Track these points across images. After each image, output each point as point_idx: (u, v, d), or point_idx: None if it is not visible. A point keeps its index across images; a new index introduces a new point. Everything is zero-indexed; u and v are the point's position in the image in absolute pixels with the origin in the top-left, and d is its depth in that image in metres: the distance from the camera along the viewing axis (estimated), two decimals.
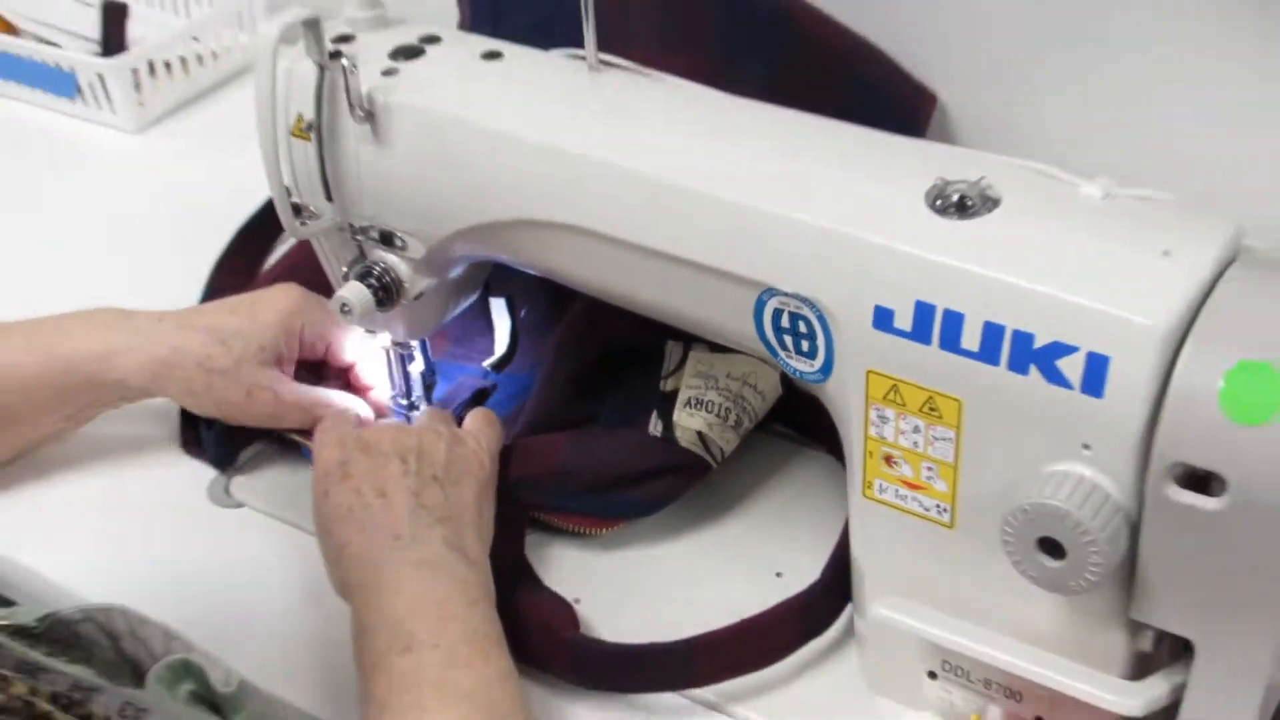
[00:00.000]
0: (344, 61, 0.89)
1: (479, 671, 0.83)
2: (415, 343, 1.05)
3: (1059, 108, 1.20)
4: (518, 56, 0.94)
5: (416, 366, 1.07)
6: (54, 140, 1.61)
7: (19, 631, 0.67)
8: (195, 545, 1.02)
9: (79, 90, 1.59)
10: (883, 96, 1.07)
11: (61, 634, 0.71)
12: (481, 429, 0.98)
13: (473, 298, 1.06)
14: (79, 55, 1.58)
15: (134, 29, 1.62)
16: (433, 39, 0.95)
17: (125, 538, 1.03)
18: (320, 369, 1.13)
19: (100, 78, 1.55)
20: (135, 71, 1.56)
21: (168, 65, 1.61)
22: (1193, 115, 1.17)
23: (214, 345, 1.05)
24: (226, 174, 1.41)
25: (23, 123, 1.63)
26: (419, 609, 0.85)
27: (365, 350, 1.12)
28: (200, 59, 1.65)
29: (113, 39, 1.59)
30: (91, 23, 1.62)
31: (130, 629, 0.80)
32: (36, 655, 0.66)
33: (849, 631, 0.92)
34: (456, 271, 1.00)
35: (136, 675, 0.74)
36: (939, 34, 1.16)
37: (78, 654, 0.72)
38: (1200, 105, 1.16)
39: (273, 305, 1.08)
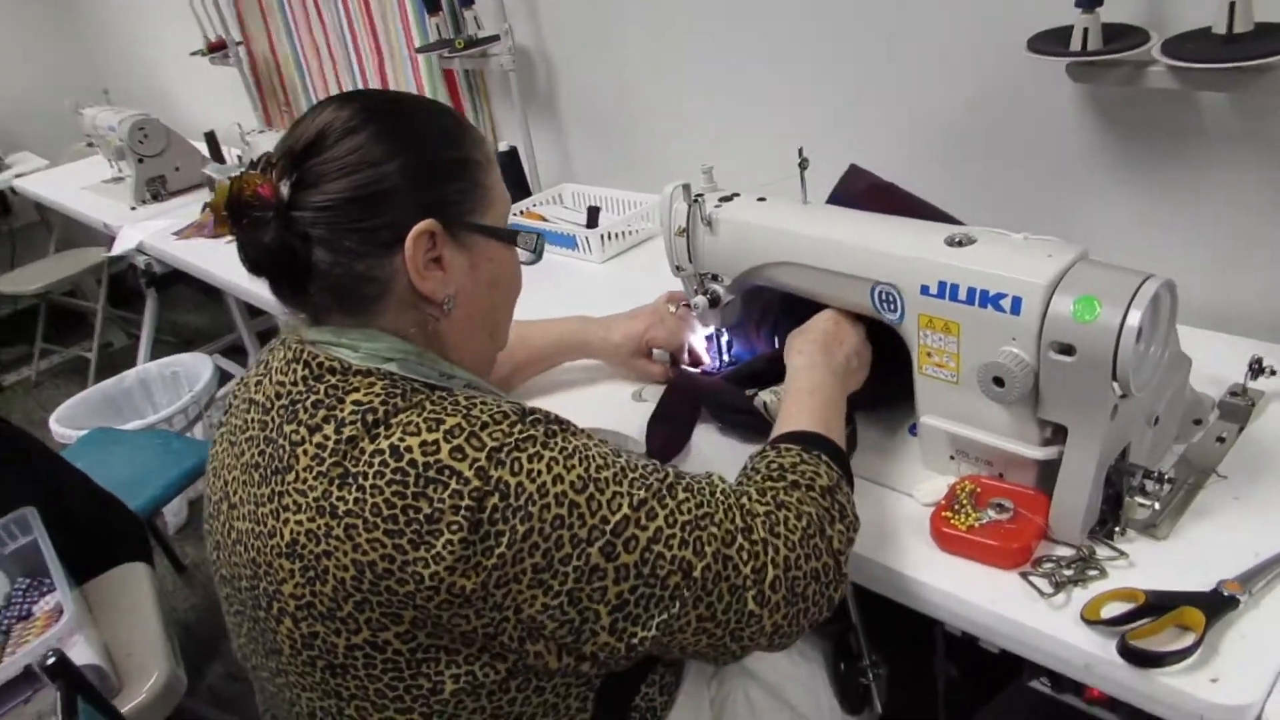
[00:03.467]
0: (700, 202, 1.06)
1: (820, 403, 0.89)
2: (724, 329, 1.14)
3: (1009, 209, 1.25)
4: (774, 200, 1.05)
5: (724, 339, 1.16)
6: (568, 267, 1.67)
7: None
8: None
9: (577, 244, 1.69)
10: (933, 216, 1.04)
11: None
12: (856, 323, 0.99)
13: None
14: (577, 228, 1.70)
15: (603, 217, 1.73)
16: (735, 194, 1.07)
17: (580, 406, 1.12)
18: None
19: (586, 239, 1.67)
20: (602, 236, 1.66)
21: (615, 235, 1.69)
22: (1072, 207, 1.23)
23: (612, 345, 1.16)
24: (635, 279, 1.57)
25: (554, 260, 1.66)
26: (802, 384, 0.92)
27: (691, 339, 1.17)
28: (627, 234, 1.71)
29: (591, 220, 1.71)
30: (582, 214, 1.77)
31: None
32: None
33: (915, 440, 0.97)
34: (743, 289, 1.10)
35: None
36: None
37: None
38: (1070, 203, 1.22)
39: (637, 324, 1.16)
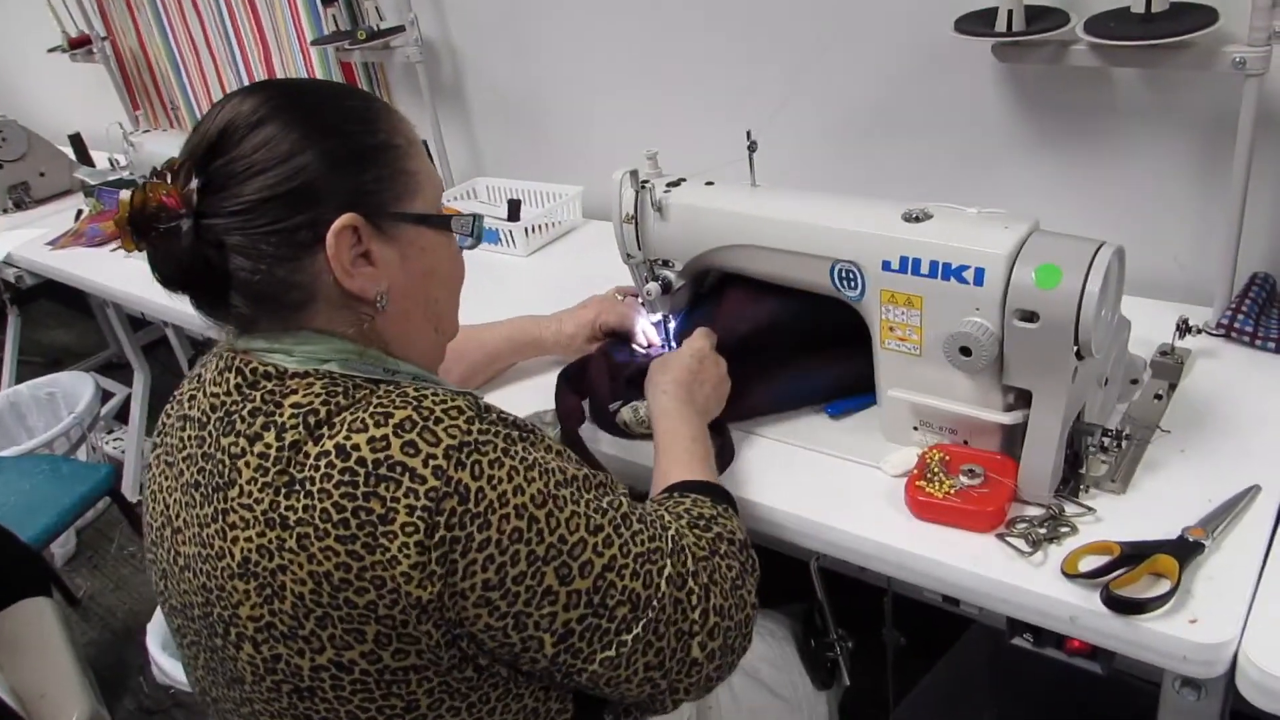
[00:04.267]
0: (649, 187, 1.06)
1: (705, 452, 0.91)
2: (672, 315, 1.13)
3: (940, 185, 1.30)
4: (722, 185, 1.05)
5: (671, 324, 1.14)
6: (494, 262, 1.65)
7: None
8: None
9: (499, 239, 1.67)
10: None
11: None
12: (720, 359, 1.01)
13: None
14: (500, 222, 1.63)
15: (523, 210, 1.65)
16: (682, 179, 1.07)
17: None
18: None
19: (509, 233, 1.66)
20: (525, 229, 1.65)
21: (538, 227, 1.68)
22: (1000, 182, 1.28)
23: (566, 337, 1.15)
24: (563, 271, 1.57)
25: (478, 255, 1.45)
26: (682, 430, 0.91)
27: (640, 322, 1.16)
28: (550, 226, 1.71)
29: (512, 214, 1.56)
30: (497, 208, 1.75)
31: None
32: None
33: (874, 414, 1.00)
34: (694, 274, 1.10)
35: None
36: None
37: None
38: (998, 178, 1.27)
39: (588, 313, 1.16)
